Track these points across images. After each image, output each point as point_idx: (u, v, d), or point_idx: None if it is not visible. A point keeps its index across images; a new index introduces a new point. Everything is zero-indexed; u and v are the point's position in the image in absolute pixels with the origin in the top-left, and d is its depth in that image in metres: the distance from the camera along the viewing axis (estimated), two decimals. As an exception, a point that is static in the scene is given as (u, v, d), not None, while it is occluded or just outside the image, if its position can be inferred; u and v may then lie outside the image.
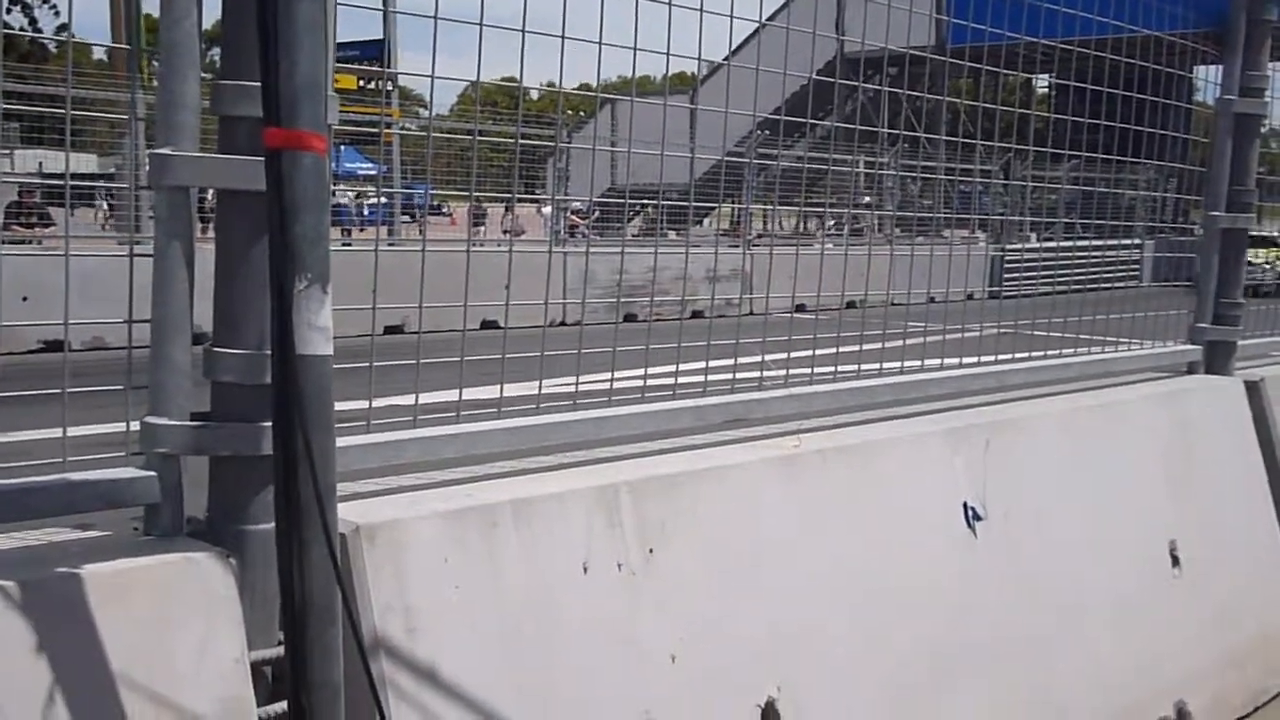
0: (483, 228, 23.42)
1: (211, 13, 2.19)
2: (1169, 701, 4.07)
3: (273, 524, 1.95)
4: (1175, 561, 4.31)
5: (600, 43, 2.87)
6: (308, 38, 1.83)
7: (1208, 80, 5.30)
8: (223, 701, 2.11)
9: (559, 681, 2.55)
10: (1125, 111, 4.92)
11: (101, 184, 18.20)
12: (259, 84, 1.88)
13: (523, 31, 2.76)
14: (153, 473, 2.21)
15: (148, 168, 2.17)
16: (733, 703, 2.86)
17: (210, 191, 2.30)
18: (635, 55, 2.97)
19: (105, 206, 20.06)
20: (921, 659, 3.35)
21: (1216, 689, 4.32)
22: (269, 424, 2.01)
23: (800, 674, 3.00)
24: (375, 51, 21.01)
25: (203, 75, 2.19)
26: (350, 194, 22.94)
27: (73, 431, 2.31)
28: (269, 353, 1.96)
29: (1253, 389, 5.04)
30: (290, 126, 1.82)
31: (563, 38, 2.82)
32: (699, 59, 3.18)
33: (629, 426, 3.08)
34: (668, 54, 3.05)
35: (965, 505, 3.54)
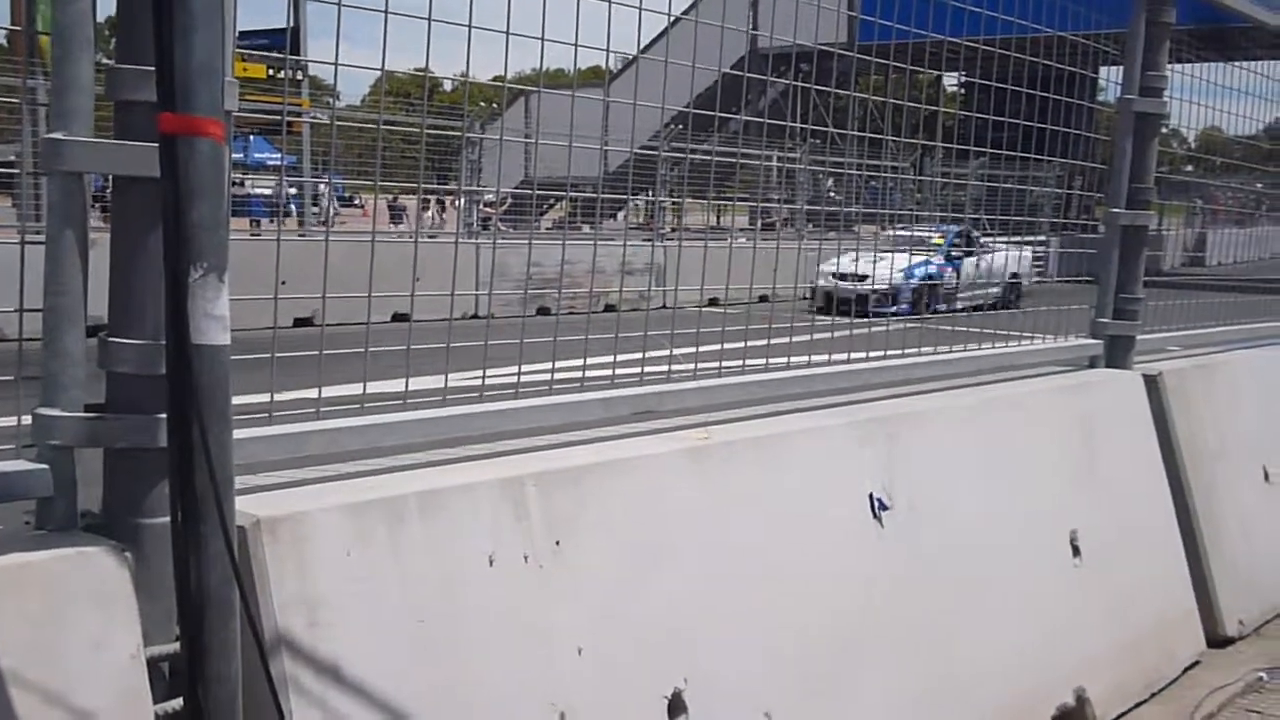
0: (403, 223, 23.16)
1: (109, -7, 2.14)
2: (1069, 688, 4.16)
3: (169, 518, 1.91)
4: (1076, 551, 4.41)
5: (508, 33, 2.85)
6: (204, 21, 1.79)
7: (1110, 80, 5.41)
8: (118, 697, 2.06)
9: (465, 674, 2.54)
10: (1032, 110, 5.01)
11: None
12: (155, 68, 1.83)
13: (429, 20, 2.74)
14: (45, 465, 2.16)
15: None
16: (639, 694, 2.87)
17: (110, 178, 2.25)
18: (543, 46, 2.96)
19: None
20: (829, 646, 3.38)
21: (1116, 675, 4.42)
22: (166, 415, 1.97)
23: (708, 664, 3.01)
24: (285, 40, 20.70)
25: (105, 60, 2.14)
26: (259, 184, 22.58)
27: (-39, 424, 2.25)
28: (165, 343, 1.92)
29: (1151, 383, 5.17)
30: (185, 112, 1.79)
31: (470, 27, 2.80)
32: (607, 50, 3.18)
33: (536, 419, 3.07)
34: (575, 45, 3.05)
35: (871, 496, 3.59)
